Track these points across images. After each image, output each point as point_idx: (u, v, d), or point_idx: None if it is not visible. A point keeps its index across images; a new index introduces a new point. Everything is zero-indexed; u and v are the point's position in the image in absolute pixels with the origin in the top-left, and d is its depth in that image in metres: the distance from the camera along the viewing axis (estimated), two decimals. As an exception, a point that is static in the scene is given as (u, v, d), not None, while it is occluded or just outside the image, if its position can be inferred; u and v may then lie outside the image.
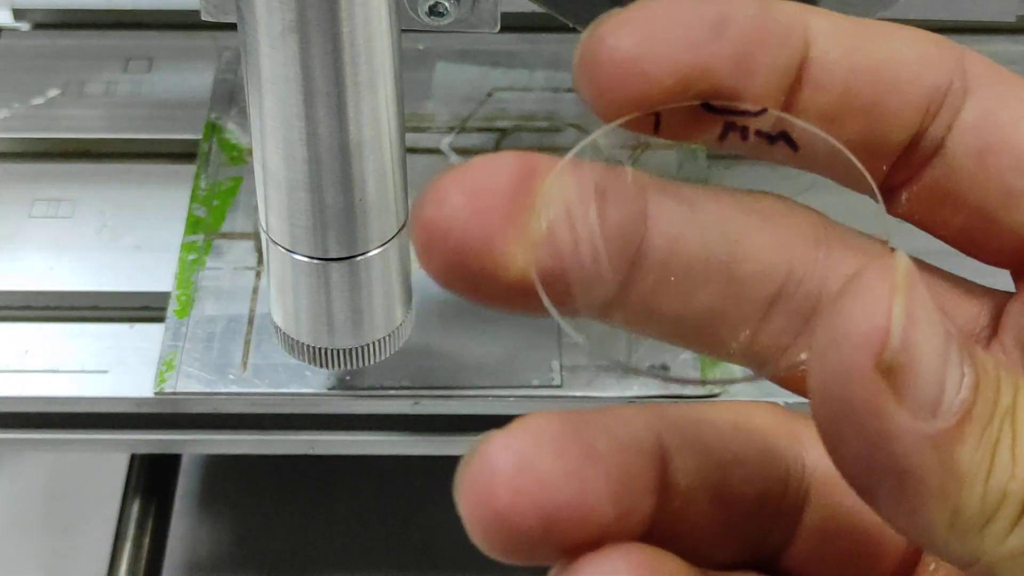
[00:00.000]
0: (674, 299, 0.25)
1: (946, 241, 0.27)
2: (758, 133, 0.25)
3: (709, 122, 0.25)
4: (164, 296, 0.49)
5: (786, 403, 0.28)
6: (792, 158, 0.26)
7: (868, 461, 0.21)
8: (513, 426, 0.23)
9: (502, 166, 0.23)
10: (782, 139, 0.25)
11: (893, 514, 0.22)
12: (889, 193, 0.26)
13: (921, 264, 0.27)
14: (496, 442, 0.23)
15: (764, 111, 0.25)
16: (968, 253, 0.27)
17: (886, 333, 0.21)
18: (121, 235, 0.52)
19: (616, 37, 0.24)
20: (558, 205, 0.24)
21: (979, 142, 0.25)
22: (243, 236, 0.51)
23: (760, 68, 0.25)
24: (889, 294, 0.21)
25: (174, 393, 0.46)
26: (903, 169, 0.26)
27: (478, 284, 0.24)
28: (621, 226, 0.24)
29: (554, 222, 0.24)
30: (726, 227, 0.25)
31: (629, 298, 0.25)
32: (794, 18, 0.25)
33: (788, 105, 0.25)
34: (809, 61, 0.25)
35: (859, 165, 0.24)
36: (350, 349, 0.42)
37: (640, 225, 0.25)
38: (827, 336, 0.21)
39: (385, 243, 0.40)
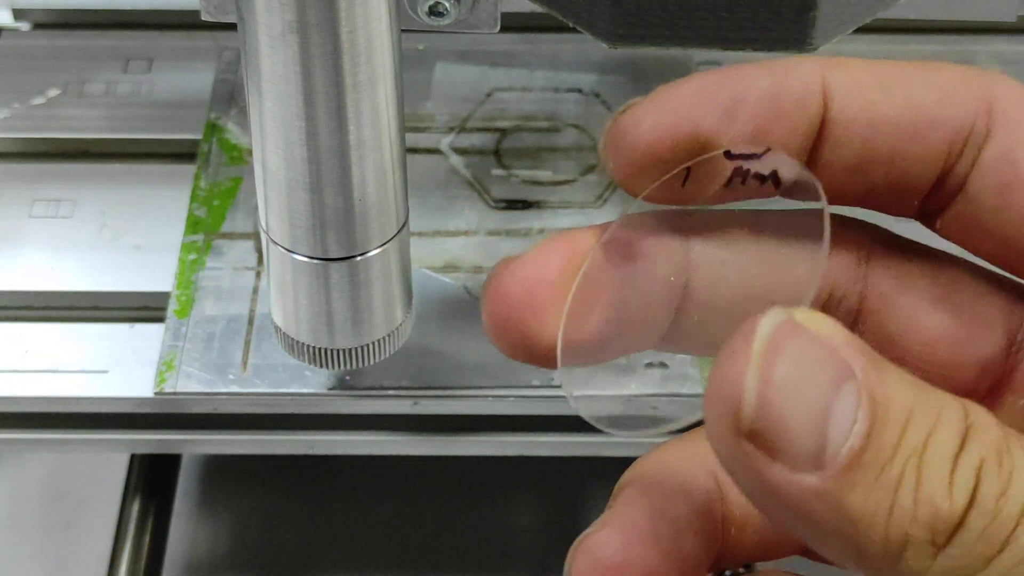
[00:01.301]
0: (719, 330, 0.26)
1: (986, 260, 0.27)
2: (755, 175, 0.26)
3: (725, 169, 0.27)
4: (164, 296, 0.49)
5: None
6: (775, 192, 0.27)
7: (765, 507, 0.23)
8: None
9: (551, 257, 0.28)
10: (771, 178, 0.26)
11: (809, 544, 0.23)
12: (927, 219, 0.28)
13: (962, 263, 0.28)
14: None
15: (768, 151, 0.26)
16: (1007, 271, 0.27)
17: (739, 402, 0.22)
18: (121, 235, 0.52)
19: (637, 130, 0.27)
20: (586, 288, 0.28)
21: (998, 179, 0.26)
22: (243, 236, 0.51)
23: (776, 141, 0.26)
24: (743, 363, 0.22)
25: (174, 393, 0.46)
26: (934, 201, 0.27)
27: (536, 357, 0.29)
28: (663, 280, 0.27)
29: (577, 301, 0.28)
30: (765, 262, 0.27)
31: (677, 332, 0.28)
32: (810, 81, 0.26)
33: (811, 163, 0.26)
34: (828, 120, 0.26)
35: (822, 198, 0.25)
36: (350, 349, 0.42)
37: (682, 275, 0.27)
38: (705, 399, 0.23)
39: (385, 243, 0.40)
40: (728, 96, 0.26)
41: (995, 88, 0.26)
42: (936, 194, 0.27)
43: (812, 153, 0.27)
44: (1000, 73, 0.26)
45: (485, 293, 0.28)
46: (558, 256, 0.28)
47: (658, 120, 0.27)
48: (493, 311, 0.28)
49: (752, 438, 0.22)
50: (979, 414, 0.23)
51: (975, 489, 0.22)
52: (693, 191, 0.27)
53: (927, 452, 0.22)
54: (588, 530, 0.28)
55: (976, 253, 0.28)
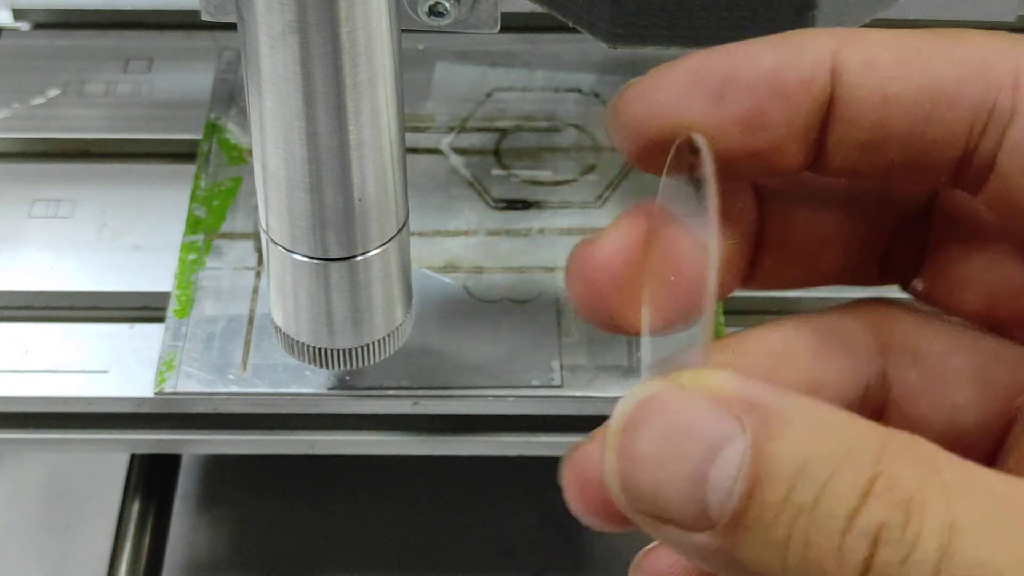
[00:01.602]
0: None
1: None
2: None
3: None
4: (164, 296, 0.49)
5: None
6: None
7: (679, 553, 0.23)
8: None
9: (628, 234, 0.28)
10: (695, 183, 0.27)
11: None
12: (970, 192, 0.27)
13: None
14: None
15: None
16: None
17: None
18: (121, 235, 0.52)
19: (629, 115, 0.27)
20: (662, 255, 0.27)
21: None
22: (243, 236, 0.51)
23: (774, 122, 0.26)
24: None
25: (174, 393, 0.46)
26: (967, 177, 0.26)
27: (625, 330, 0.28)
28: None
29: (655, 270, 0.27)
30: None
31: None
32: (820, 58, 0.25)
33: (821, 141, 0.26)
34: (837, 99, 0.25)
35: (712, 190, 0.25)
36: (350, 349, 0.42)
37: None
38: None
39: (385, 243, 0.40)
40: (720, 77, 0.25)
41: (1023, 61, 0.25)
42: (966, 170, 0.26)
43: (822, 131, 0.26)
44: None
45: (569, 276, 0.28)
46: (634, 232, 0.28)
47: (647, 107, 0.26)
48: (579, 293, 0.28)
49: (638, 508, 0.22)
50: (900, 453, 0.21)
51: (871, 556, 0.21)
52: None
53: (817, 510, 0.21)
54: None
55: (1017, 231, 0.27)
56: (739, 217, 0.28)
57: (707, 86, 0.25)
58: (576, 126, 0.55)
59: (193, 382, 0.47)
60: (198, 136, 0.54)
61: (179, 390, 0.46)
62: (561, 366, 0.47)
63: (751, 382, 0.22)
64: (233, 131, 0.54)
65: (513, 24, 0.48)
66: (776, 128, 0.26)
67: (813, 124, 0.26)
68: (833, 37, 0.25)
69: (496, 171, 0.53)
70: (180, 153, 0.54)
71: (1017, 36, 0.25)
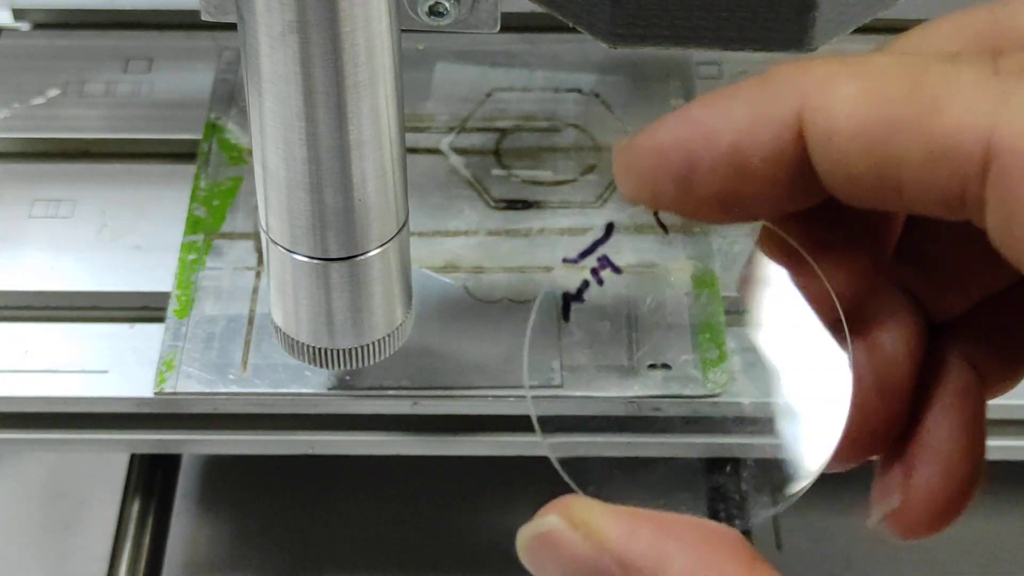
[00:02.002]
0: None
1: None
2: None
3: None
4: (164, 296, 0.49)
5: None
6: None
7: None
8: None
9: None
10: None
11: None
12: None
13: None
14: None
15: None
16: None
17: None
18: (121, 235, 0.52)
19: (621, 190, 0.27)
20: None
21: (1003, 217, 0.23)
22: (243, 236, 0.51)
23: (747, 196, 0.25)
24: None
25: (174, 393, 0.46)
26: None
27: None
28: None
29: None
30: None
31: None
32: (781, 131, 0.24)
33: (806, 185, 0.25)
34: (810, 161, 0.24)
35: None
36: (350, 349, 0.42)
37: None
38: None
39: (385, 243, 0.40)
40: (682, 162, 0.25)
41: (996, 138, 0.23)
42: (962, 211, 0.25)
43: (810, 179, 0.25)
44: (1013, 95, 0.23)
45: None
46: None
47: (629, 187, 0.26)
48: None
49: None
50: None
51: None
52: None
53: None
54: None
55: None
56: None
57: (672, 171, 0.25)
58: (576, 126, 0.55)
59: (193, 382, 0.47)
60: (198, 136, 0.54)
61: (179, 390, 0.46)
62: (561, 366, 0.47)
63: (635, 530, 0.25)
64: (233, 131, 0.54)
65: (513, 24, 0.48)
66: (751, 200, 0.25)
67: (791, 185, 0.25)
68: (798, 95, 0.24)
69: (496, 171, 0.53)
70: (180, 153, 0.54)
71: (1005, 86, 0.23)
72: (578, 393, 0.47)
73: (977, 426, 0.28)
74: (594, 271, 0.29)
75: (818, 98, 0.24)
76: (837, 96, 0.24)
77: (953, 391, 0.28)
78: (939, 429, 0.27)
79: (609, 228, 0.28)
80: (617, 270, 0.29)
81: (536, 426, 0.29)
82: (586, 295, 0.29)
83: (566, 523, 0.26)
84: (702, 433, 0.48)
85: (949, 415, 0.28)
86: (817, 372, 0.28)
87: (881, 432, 0.27)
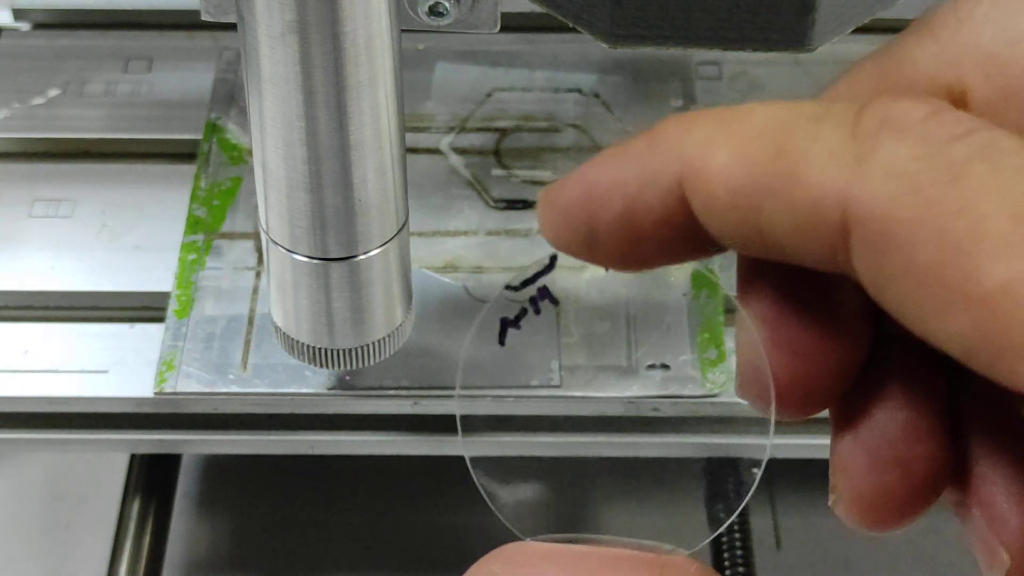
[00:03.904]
0: None
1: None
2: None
3: None
4: (164, 296, 0.49)
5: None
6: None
7: None
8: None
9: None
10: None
11: None
12: None
13: None
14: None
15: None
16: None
17: None
18: (121, 235, 0.52)
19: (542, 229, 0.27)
20: None
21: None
22: (243, 236, 0.51)
23: (645, 252, 0.26)
24: None
25: (174, 393, 0.46)
26: None
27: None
28: None
29: None
30: None
31: None
32: (666, 196, 0.25)
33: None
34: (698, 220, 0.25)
35: None
36: (350, 349, 0.42)
37: None
38: None
39: (385, 243, 0.40)
40: (585, 224, 0.26)
41: (851, 206, 0.22)
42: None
43: (701, 237, 0.25)
44: (872, 163, 0.23)
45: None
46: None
47: (546, 235, 0.27)
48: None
49: None
50: None
51: None
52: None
53: None
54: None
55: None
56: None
57: (578, 232, 0.26)
58: (576, 126, 0.55)
59: (193, 382, 0.47)
60: (198, 136, 0.54)
61: (179, 390, 0.46)
62: (560, 366, 0.47)
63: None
64: (233, 131, 0.54)
65: (513, 24, 0.48)
66: (654, 255, 0.26)
67: (688, 241, 0.25)
68: (679, 160, 0.24)
69: (496, 171, 0.53)
70: (180, 153, 0.54)
71: (860, 150, 0.22)
72: (577, 393, 0.47)
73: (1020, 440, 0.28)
74: (533, 300, 0.30)
75: (696, 164, 0.24)
76: (712, 163, 0.24)
77: (992, 420, 0.28)
78: (994, 464, 0.27)
79: (552, 260, 0.29)
80: (555, 302, 0.30)
81: (458, 425, 0.30)
82: (522, 323, 0.30)
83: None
84: (700, 433, 0.48)
85: (993, 444, 0.27)
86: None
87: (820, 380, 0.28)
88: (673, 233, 0.25)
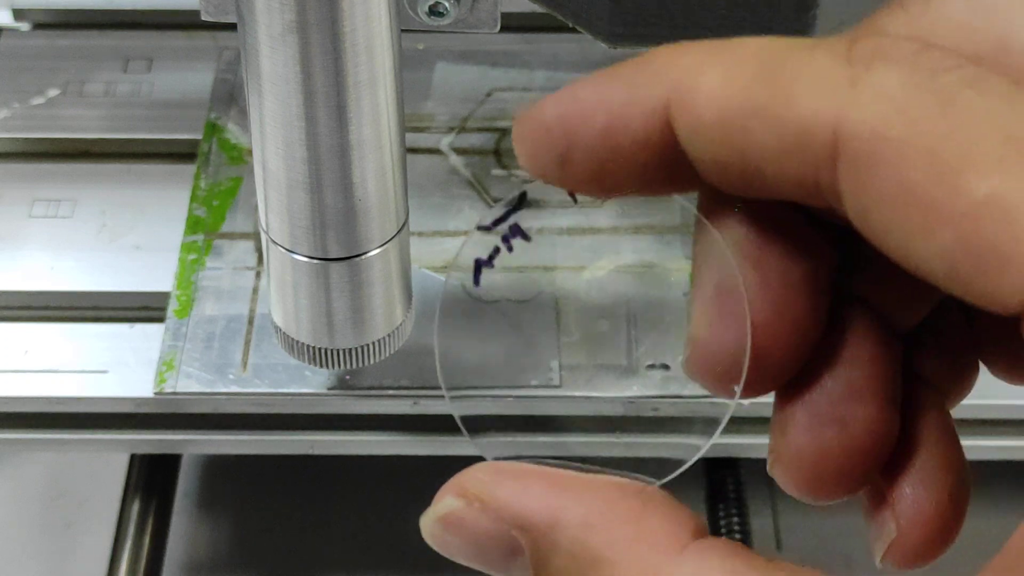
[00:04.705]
0: None
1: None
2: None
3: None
4: (164, 296, 0.49)
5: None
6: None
7: None
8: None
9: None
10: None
11: None
12: None
13: None
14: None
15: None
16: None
17: None
18: (121, 235, 0.52)
19: (516, 152, 0.27)
20: None
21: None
22: (243, 236, 0.51)
23: (620, 175, 0.26)
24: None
25: (174, 393, 0.46)
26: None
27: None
28: None
29: None
30: None
31: None
32: (650, 118, 0.25)
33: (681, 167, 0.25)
34: (680, 147, 0.25)
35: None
36: (350, 349, 0.42)
37: None
38: None
39: (385, 243, 0.40)
40: (562, 140, 0.26)
41: (842, 126, 0.23)
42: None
43: (677, 166, 0.25)
44: (862, 81, 0.23)
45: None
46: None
47: (521, 158, 0.27)
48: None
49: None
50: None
51: None
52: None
53: None
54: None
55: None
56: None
57: (553, 148, 0.26)
58: (576, 126, 0.55)
59: (193, 382, 0.47)
60: (198, 136, 0.54)
61: (179, 390, 0.46)
62: (560, 366, 0.47)
63: (525, 488, 0.26)
64: (233, 131, 0.54)
65: (513, 24, 0.48)
66: (625, 179, 0.26)
67: (664, 168, 0.25)
68: (668, 83, 0.24)
69: (496, 171, 0.53)
70: (180, 153, 0.54)
71: (854, 72, 0.23)
72: (577, 393, 0.47)
73: (950, 436, 0.28)
74: (505, 238, 0.29)
75: (685, 87, 0.24)
76: (701, 85, 0.24)
77: (922, 406, 0.28)
78: (915, 448, 0.27)
79: (522, 197, 0.29)
80: (527, 238, 0.30)
81: (461, 427, 0.30)
82: (496, 261, 0.30)
83: (462, 501, 0.27)
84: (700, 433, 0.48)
85: (923, 432, 0.28)
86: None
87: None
88: (650, 158, 0.25)
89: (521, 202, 0.29)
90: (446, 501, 0.27)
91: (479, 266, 0.30)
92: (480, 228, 0.29)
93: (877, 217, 0.22)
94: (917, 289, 0.27)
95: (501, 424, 0.47)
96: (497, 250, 0.30)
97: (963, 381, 0.29)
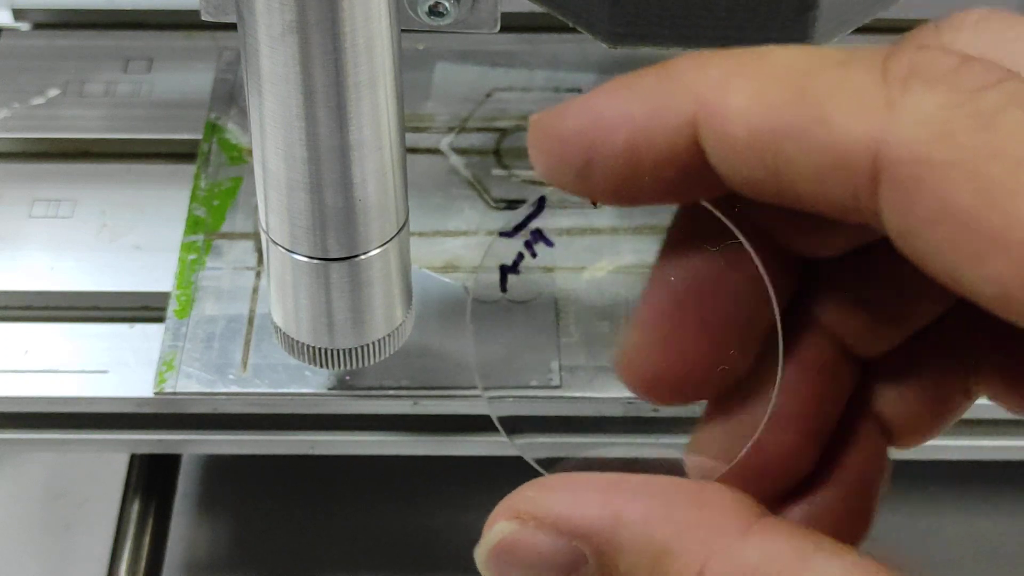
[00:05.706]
0: None
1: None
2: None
3: None
4: (164, 296, 0.49)
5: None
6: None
7: None
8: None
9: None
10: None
11: None
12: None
13: None
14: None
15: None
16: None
17: None
18: (121, 235, 0.52)
19: (531, 159, 0.26)
20: None
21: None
22: (243, 236, 0.51)
23: (641, 188, 0.25)
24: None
25: (174, 393, 0.46)
26: None
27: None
28: None
29: None
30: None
31: None
32: (675, 135, 0.24)
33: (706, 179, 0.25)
34: (708, 163, 0.24)
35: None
36: (350, 349, 0.42)
37: None
38: None
39: (385, 243, 0.40)
40: (583, 153, 0.25)
41: (883, 149, 0.22)
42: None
43: (702, 178, 0.25)
44: (904, 103, 0.22)
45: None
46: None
47: (537, 167, 0.26)
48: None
49: None
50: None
51: None
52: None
53: None
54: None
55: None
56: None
57: (572, 160, 0.25)
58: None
59: (193, 382, 0.47)
60: (198, 136, 0.54)
61: (179, 390, 0.46)
62: (560, 367, 0.47)
63: (580, 498, 0.25)
64: (233, 131, 0.54)
65: (513, 24, 0.48)
66: (649, 191, 0.25)
67: (688, 181, 0.25)
68: (694, 98, 0.24)
69: (496, 171, 0.53)
70: (180, 153, 0.54)
71: (891, 93, 0.22)
72: (577, 394, 0.47)
73: (868, 480, 0.28)
74: (528, 244, 0.29)
75: (713, 102, 0.24)
76: (731, 101, 0.23)
77: (858, 443, 0.28)
78: (827, 482, 0.28)
79: (541, 201, 0.28)
80: (549, 243, 0.29)
81: (500, 428, 0.29)
82: (521, 267, 0.29)
83: (516, 523, 0.26)
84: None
85: (846, 469, 0.28)
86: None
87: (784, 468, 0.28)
88: (675, 172, 0.24)
89: (541, 207, 0.29)
90: (499, 526, 0.26)
91: (504, 272, 0.30)
92: (502, 235, 0.29)
93: (922, 240, 0.22)
94: (883, 319, 0.27)
95: (539, 425, 0.47)
96: (521, 256, 0.30)
97: (922, 422, 0.29)
